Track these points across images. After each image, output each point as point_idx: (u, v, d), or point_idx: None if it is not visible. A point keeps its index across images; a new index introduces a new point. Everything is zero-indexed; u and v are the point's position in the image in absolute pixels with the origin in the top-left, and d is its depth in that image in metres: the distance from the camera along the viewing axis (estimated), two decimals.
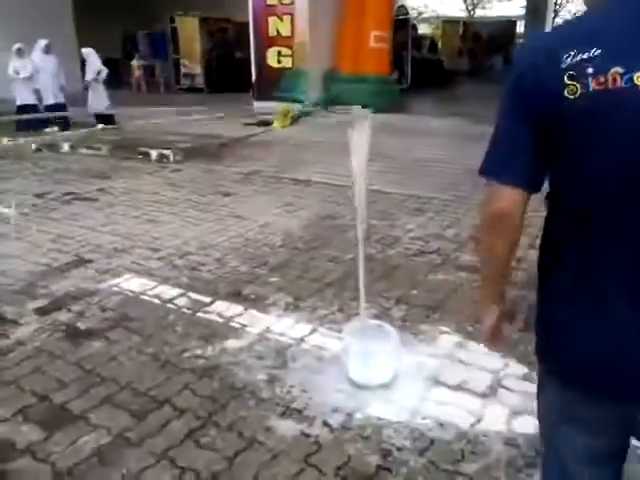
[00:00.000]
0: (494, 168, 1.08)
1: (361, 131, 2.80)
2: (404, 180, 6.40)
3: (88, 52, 9.69)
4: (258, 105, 10.90)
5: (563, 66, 0.94)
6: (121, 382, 2.50)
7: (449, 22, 25.06)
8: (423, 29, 30.05)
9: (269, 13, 10.24)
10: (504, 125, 1.07)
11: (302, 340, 2.87)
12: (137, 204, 5.48)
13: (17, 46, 9.26)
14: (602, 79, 0.90)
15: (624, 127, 0.91)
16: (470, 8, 38.02)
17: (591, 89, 0.91)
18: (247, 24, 11.74)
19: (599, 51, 0.91)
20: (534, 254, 1.25)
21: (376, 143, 8.24)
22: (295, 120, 10.14)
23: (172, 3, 18.35)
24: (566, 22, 1.27)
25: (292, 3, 9.94)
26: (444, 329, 2.98)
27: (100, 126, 9.61)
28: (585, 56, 0.92)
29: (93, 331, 2.95)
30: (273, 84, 10.67)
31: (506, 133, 1.06)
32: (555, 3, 31.12)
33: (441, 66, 19.40)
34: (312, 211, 5.29)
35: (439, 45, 23.07)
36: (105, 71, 9.70)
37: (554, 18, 30.39)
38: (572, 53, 0.93)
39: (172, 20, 16.79)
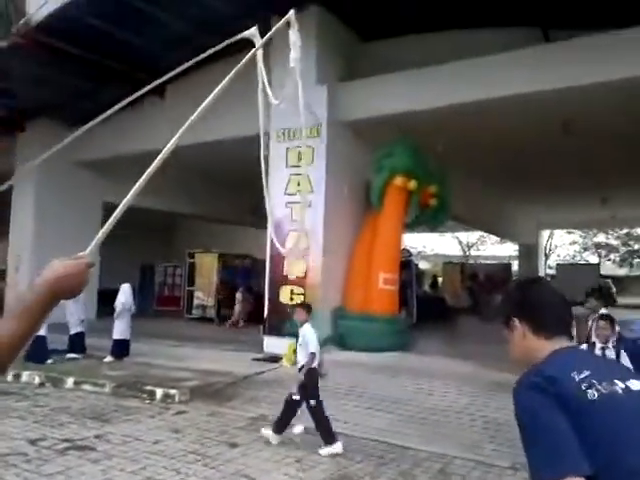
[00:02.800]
0: (567, 467, 1.25)
1: None
2: (421, 432, 6.02)
3: (125, 286, 10.28)
4: (268, 340, 10.97)
5: (577, 380, 1.33)
6: None
7: (449, 263, 26.84)
8: (423, 265, 32.16)
9: (285, 256, 10.98)
10: (551, 431, 1.30)
11: None
12: (136, 456, 5.06)
13: None
14: (604, 385, 1.34)
15: (623, 408, 1.33)
16: (466, 249, 41.22)
17: (603, 391, 1.33)
18: (263, 260, 12.59)
19: (589, 372, 1.36)
20: None
21: (386, 385, 8.00)
22: None
23: (193, 241, 20.09)
24: (551, 362, 1.52)
25: (307, 248, 10.72)
26: None
27: (108, 359, 9.57)
28: (583, 375, 1.34)
29: None
30: (284, 320, 10.89)
31: (556, 436, 1.29)
32: (545, 248, 33.83)
33: (444, 303, 20.12)
34: (326, 469, 4.85)
35: (440, 281, 24.37)
36: (129, 304, 10.08)
37: (545, 261, 32.73)
38: (575, 373, 1.35)
39: (191, 256, 18.09)
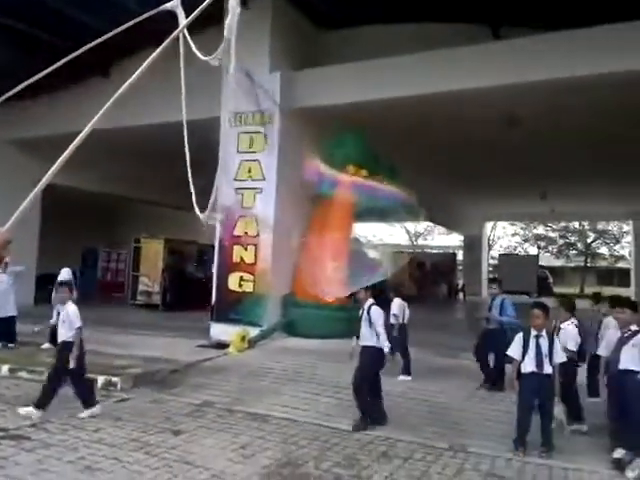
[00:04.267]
0: None
1: None
2: None
3: (64, 271, 9.72)
4: (215, 327, 10.86)
5: None
6: None
7: (397, 252, 27.32)
8: (371, 254, 32.54)
9: (234, 242, 10.87)
10: None
11: None
12: (75, 444, 4.91)
13: None
14: None
15: None
16: (413, 239, 42.09)
17: None
18: (211, 246, 12.38)
19: None
20: None
21: (334, 371, 8.09)
22: (252, 344, 10.03)
23: (138, 225, 19.54)
24: None
25: (257, 235, 10.65)
26: None
27: (46, 345, 9.20)
28: None
29: None
30: (232, 307, 10.81)
31: None
32: (489, 239, 34.98)
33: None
34: (271, 455, 4.87)
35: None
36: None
37: (489, 251, 33.85)
38: None
39: (137, 240, 17.59)
